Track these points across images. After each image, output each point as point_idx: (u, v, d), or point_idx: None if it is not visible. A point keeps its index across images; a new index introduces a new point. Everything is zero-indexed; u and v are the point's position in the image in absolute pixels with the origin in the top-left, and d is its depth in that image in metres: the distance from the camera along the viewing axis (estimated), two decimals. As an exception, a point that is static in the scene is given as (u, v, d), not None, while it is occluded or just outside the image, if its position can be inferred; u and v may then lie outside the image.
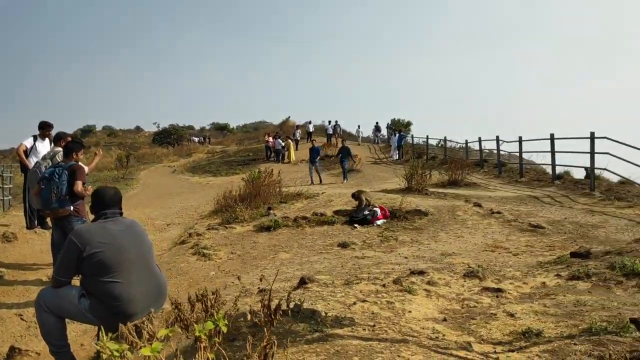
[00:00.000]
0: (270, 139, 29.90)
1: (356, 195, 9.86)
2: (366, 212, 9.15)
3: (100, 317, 3.17)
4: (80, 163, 5.77)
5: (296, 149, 29.85)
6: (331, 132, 34.54)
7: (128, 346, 1.97)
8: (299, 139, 33.38)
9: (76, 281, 3.41)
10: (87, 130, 65.09)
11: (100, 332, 2.08)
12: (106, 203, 3.42)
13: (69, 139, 6.89)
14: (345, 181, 18.51)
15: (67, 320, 3.37)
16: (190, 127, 70.78)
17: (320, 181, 18.80)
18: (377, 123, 39.24)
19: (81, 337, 4.40)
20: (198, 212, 12.43)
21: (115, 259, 3.15)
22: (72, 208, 5.52)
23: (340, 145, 32.72)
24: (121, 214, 3.49)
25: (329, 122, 36.05)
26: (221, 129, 65.60)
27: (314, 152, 19.71)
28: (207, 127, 73.40)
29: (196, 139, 54.13)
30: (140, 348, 2.04)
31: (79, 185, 5.44)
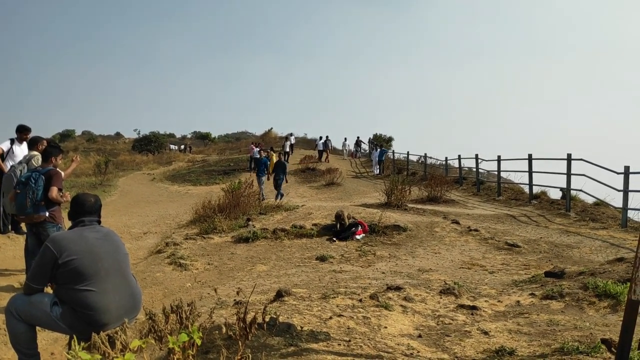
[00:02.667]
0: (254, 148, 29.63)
1: (340, 216, 9.64)
2: (353, 229, 9.16)
3: (73, 326, 3.11)
4: (57, 169, 5.69)
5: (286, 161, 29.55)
6: (322, 148, 32.70)
7: (100, 356, 1.95)
8: (288, 151, 31.75)
9: (47, 289, 3.35)
10: (66, 135, 64.09)
11: (72, 341, 2.05)
12: (85, 210, 3.37)
13: (45, 143, 6.80)
14: (279, 198, 15.89)
15: (37, 328, 3.30)
16: (172, 135, 70.30)
17: (262, 198, 15.50)
18: (358, 137, 39.57)
19: (52, 345, 4.31)
20: (176, 222, 12.32)
21: (91, 267, 3.11)
22: (47, 214, 5.44)
23: (328, 158, 32.54)
24: (99, 222, 3.45)
25: (320, 137, 34.00)
26: (203, 137, 65.21)
27: (260, 164, 17.52)
28: (189, 136, 73.02)
29: (173, 147, 53.41)
30: (113, 359, 2.01)
31: (54, 191, 5.36)
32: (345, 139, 38.35)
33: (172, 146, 53.33)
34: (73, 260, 3.08)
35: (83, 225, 3.32)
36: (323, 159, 31.91)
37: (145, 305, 3.62)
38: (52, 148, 5.92)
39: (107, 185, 21.93)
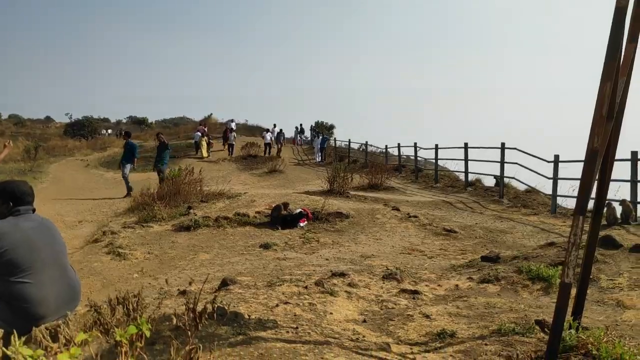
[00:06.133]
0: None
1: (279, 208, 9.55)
2: (297, 211, 9.22)
3: (7, 320, 2.97)
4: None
5: (231, 154, 28.40)
6: (268, 141, 28.70)
7: (43, 351, 1.87)
8: (233, 143, 28.61)
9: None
10: (-9, 119, 60.55)
11: (12, 336, 1.95)
12: (20, 198, 3.20)
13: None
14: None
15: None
16: (106, 120, 67.92)
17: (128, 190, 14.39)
18: (300, 125, 39.38)
19: (-18, 341, 4.10)
20: (113, 210, 11.93)
21: (27, 258, 2.97)
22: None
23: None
24: (34, 210, 3.29)
25: (267, 130, 30.76)
26: (139, 123, 63.21)
27: (128, 149, 15.59)
28: (124, 121, 70.68)
29: (105, 132, 51.10)
30: (56, 353, 1.94)
31: (-17, 178, 5.08)
32: (274, 124, 33.11)
33: (103, 132, 51.21)
34: (7, 252, 2.93)
35: (18, 215, 3.16)
36: (274, 152, 28.85)
37: (84, 296, 3.50)
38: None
39: (37, 172, 20.91)
